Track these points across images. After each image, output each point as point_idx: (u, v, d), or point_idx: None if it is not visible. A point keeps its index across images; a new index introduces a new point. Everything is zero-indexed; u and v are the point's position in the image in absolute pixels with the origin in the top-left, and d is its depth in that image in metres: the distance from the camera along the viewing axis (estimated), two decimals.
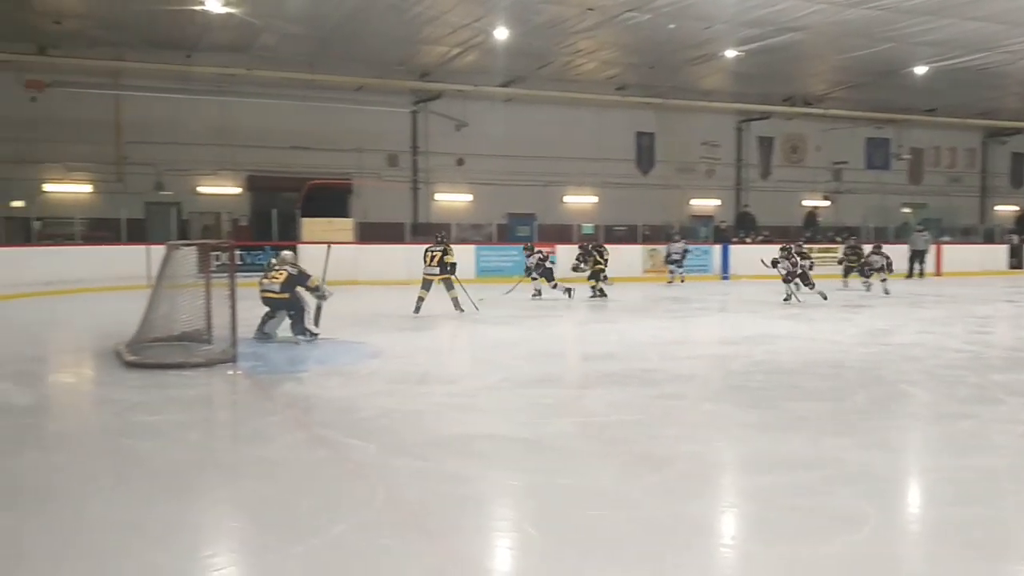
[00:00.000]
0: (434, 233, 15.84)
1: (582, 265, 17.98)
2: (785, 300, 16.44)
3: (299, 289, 10.76)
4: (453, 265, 14.33)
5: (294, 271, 10.80)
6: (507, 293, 17.44)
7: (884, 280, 18.81)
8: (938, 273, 26.99)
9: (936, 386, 8.19)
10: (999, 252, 29.03)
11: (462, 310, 14.25)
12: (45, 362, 10.19)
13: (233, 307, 9.22)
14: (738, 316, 15.07)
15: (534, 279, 17.54)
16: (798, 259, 16.83)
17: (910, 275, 25.17)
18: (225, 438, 6.55)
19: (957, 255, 27.74)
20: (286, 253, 11.50)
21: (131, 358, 9.06)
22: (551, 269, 17.48)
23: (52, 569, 3.88)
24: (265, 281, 10.74)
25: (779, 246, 17.21)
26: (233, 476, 5.25)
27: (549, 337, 12.26)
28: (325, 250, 11.82)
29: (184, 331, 10.07)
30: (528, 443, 5.98)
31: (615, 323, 13.77)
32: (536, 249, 17.65)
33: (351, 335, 11.55)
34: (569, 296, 16.80)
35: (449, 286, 14.43)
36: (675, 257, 22.91)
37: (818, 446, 5.83)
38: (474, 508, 4.67)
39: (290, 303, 10.67)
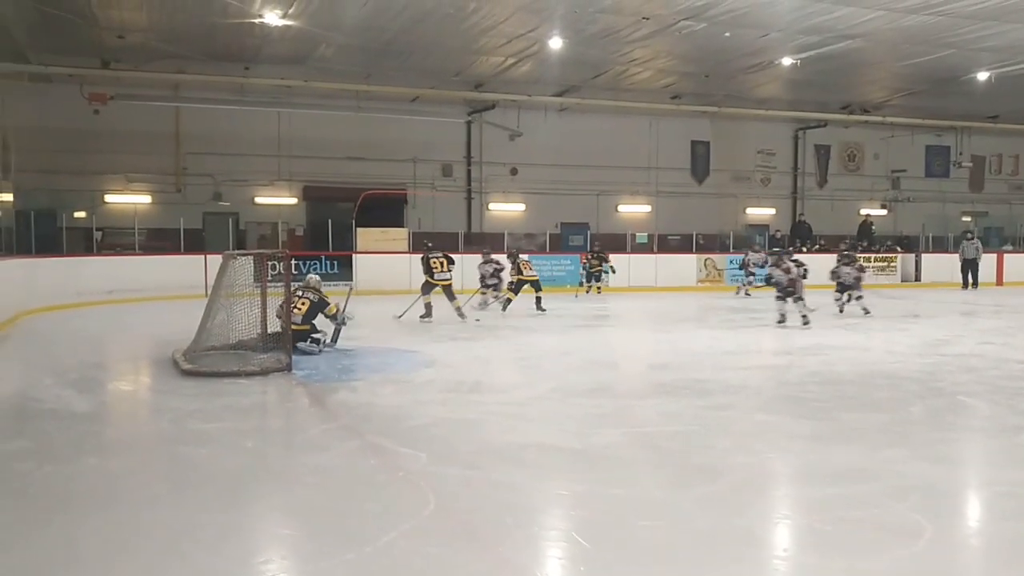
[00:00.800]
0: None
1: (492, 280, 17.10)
2: (779, 323, 14.06)
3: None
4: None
5: (315, 298, 10.89)
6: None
7: (859, 298, 16.05)
8: (999, 283, 26.39)
9: (996, 398, 8.01)
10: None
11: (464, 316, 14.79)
12: (105, 369, 10.42)
13: (288, 316, 9.35)
14: (793, 326, 14.87)
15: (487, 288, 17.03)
16: (792, 265, 14.34)
17: (964, 286, 24.60)
18: (279, 446, 6.64)
19: (1019, 264, 27.10)
20: (312, 277, 11.63)
21: (187, 366, 9.23)
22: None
23: (105, 571, 3.97)
24: (293, 313, 10.73)
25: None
26: (286, 483, 5.32)
27: (602, 346, 12.24)
28: (347, 292, 12.10)
29: (240, 339, 10.22)
30: (578, 453, 5.98)
31: (669, 333, 13.71)
32: (495, 259, 17.23)
33: (405, 344, 11.64)
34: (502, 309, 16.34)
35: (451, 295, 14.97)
36: (753, 269, 21.98)
37: (873, 458, 5.74)
38: (523, 517, 4.67)
39: (308, 333, 10.72)
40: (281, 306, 10.67)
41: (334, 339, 11.09)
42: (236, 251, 13.23)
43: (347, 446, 6.32)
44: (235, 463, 5.75)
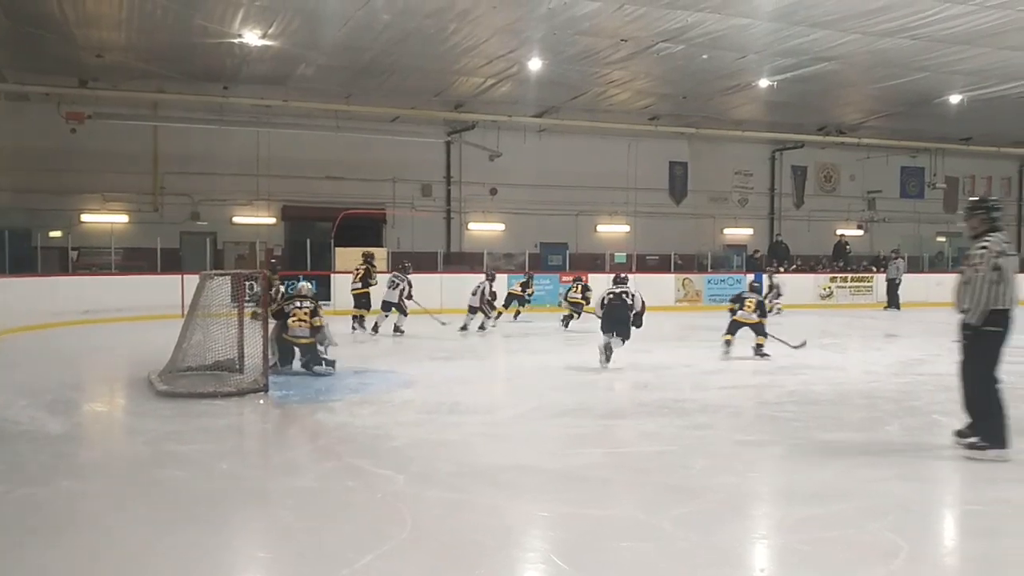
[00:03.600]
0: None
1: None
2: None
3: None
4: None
5: (312, 306, 10.82)
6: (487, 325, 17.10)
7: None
8: None
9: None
10: None
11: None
12: (80, 390, 10.30)
13: (265, 336, 9.32)
14: (772, 345, 14.93)
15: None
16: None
17: (888, 306, 24.59)
18: (255, 467, 6.59)
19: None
20: (304, 285, 11.48)
21: (163, 387, 9.17)
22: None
23: None
24: (293, 325, 10.63)
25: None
26: (263, 505, 5.28)
27: (581, 366, 12.23)
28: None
29: (217, 360, 10.16)
30: (559, 473, 5.97)
31: (649, 353, 13.71)
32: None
33: (384, 364, 11.60)
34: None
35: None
36: (781, 291, 21.76)
37: (850, 477, 5.77)
38: (502, 538, 4.66)
39: (310, 346, 10.67)
40: (290, 322, 10.65)
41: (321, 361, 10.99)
42: (213, 271, 13.17)
43: (324, 467, 6.29)
44: (211, 485, 5.71)
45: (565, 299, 18.23)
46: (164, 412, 8.13)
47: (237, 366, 9.95)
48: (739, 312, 13.03)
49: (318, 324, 10.74)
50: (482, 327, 16.56)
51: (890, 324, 17.34)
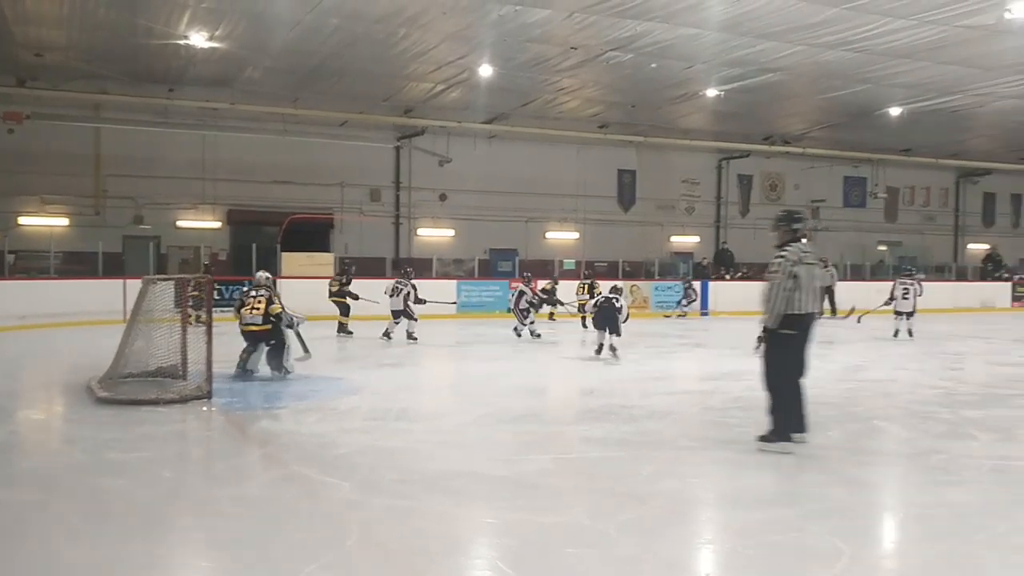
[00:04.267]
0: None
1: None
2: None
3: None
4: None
5: (267, 294, 10.76)
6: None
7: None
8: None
9: (910, 422, 8.24)
10: (972, 289, 29.29)
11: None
12: (16, 398, 10.08)
13: (209, 342, 9.17)
14: (718, 352, 15.11)
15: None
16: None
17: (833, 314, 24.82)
18: (198, 475, 6.49)
19: (930, 292, 27.89)
20: (261, 274, 11.40)
21: (103, 394, 8.98)
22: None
23: None
24: (246, 313, 10.67)
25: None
26: (206, 514, 5.20)
27: (530, 372, 12.26)
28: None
29: (160, 366, 9.99)
30: (506, 480, 5.96)
31: (596, 359, 13.77)
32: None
33: (330, 371, 11.51)
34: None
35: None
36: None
37: (794, 482, 5.85)
38: (449, 546, 4.64)
39: (271, 333, 10.62)
40: (241, 311, 10.70)
41: (304, 347, 11.01)
42: (157, 276, 12.97)
43: (269, 475, 6.22)
44: (153, 494, 5.60)
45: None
46: (104, 419, 7.97)
47: (180, 372, 9.78)
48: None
49: (276, 311, 10.66)
50: (517, 332, 16.45)
51: (831, 331, 17.60)
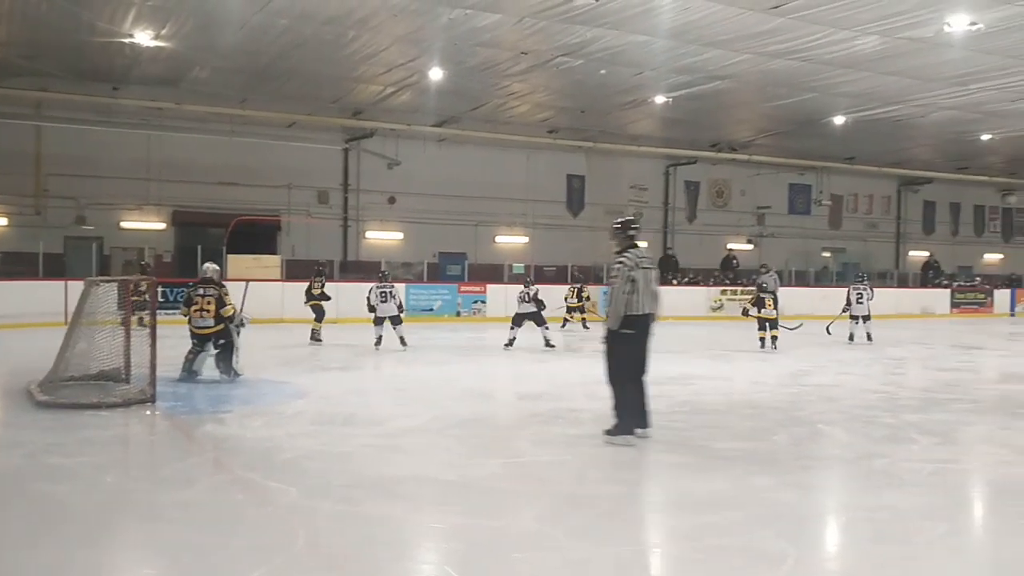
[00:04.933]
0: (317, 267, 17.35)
1: None
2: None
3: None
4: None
5: (216, 293, 10.61)
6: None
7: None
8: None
9: (853, 426, 8.36)
10: (912, 296, 29.88)
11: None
12: None
13: (153, 345, 9.03)
14: (663, 356, 15.20)
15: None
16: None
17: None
18: (142, 480, 6.36)
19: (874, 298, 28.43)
20: (209, 266, 11.16)
21: (44, 398, 8.79)
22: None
23: None
24: (195, 315, 10.51)
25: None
26: (149, 520, 5.11)
27: (478, 376, 12.25)
28: (243, 287, 11.77)
29: (102, 370, 9.81)
30: (454, 484, 5.95)
31: (544, 363, 13.82)
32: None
33: (276, 375, 11.40)
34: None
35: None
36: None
37: (740, 486, 5.90)
38: (396, 551, 4.62)
39: (221, 334, 10.49)
40: (192, 311, 10.52)
41: (233, 357, 10.80)
42: (99, 277, 12.74)
43: (214, 480, 6.14)
44: (95, 499, 5.50)
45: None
46: (45, 423, 7.80)
47: (123, 376, 9.62)
48: (762, 311, 16.05)
49: (229, 313, 10.53)
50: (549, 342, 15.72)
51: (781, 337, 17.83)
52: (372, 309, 14.84)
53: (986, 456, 7.41)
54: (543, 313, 15.87)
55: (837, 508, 5.82)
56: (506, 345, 15.51)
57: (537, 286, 16.37)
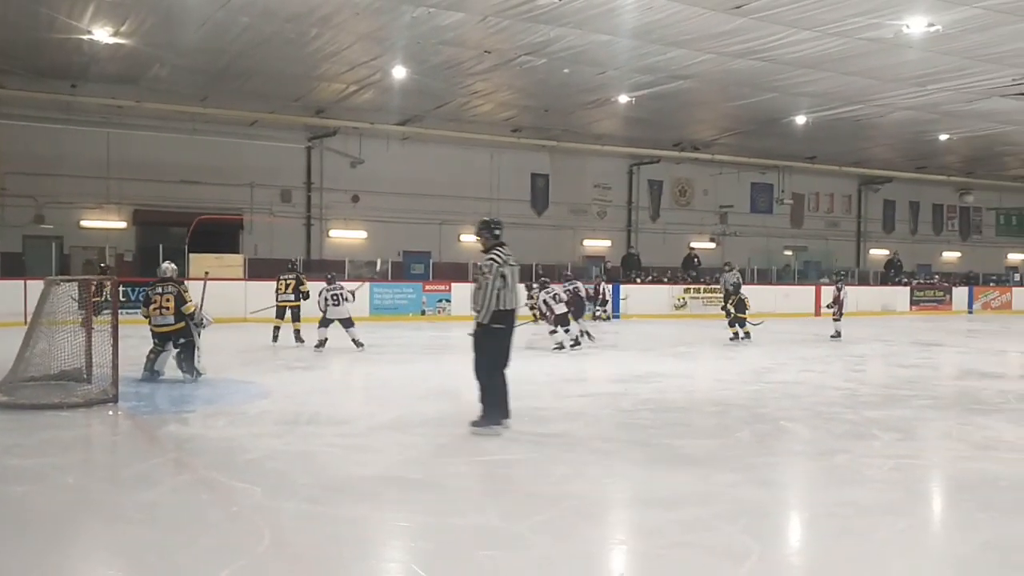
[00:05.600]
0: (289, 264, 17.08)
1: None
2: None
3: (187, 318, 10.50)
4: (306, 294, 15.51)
5: (175, 291, 10.52)
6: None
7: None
8: (816, 314, 27.98)
9: (815, 423, 8.45)
10: (873, 293, 30.27)
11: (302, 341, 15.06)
12: None
13: (115, 345, 8.93)
14: (627, 354, 15.30)
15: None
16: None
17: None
18: (104, 481, 6.30)
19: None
20: (168, 265, 11.05)
21: (3, 399, 8.66)
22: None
23: None
24: (155, 313, 10.42)
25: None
26: (113, 521, 5.06)
27: (443, 375, 12.22)
28: (202, 284, 11.67)
29: (63, 370, 9.67)
30: (419, 483, 5.94)
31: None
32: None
33: (239, 374, 11.31)
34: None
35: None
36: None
37: (705, 483, 5.95)
38: (362, 550, 4.61)
39: (182, 332, 10.40)
40: (151, 310, 10.48)
41: (195, 357, 10.67)
42: (59, 277, 12.57)
43: (177, 480, 6.09)
44: (56, 501, 5.43)
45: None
46: (5, 425, 7.69)
47: (85, 376, 9.50)
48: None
49: (190, 310, 10.45)
50: (576, 342, 15.50)
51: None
52: (324, 312, 14.57)
53: (945, 451, 7.53)
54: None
55: (800, 504, 5.89)
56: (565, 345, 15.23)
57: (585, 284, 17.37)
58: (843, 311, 18.56)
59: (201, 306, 10.96)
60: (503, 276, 7.50)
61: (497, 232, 7.83)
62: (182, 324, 10.41)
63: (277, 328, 15.46)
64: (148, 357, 10.54)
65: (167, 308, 10.38)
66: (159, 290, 10.57)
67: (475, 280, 7.77)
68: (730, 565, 4.36)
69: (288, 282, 15.50)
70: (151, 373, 10.42)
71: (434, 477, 6.10)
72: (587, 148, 27.52)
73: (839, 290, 18.71)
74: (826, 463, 6.80)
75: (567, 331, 15.38)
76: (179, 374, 10.49)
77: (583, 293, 17.44)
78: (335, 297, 14.60)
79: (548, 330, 15.54)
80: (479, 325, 7.53)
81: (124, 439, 7.79)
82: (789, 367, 13.38)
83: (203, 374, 10.53)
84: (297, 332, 15.24)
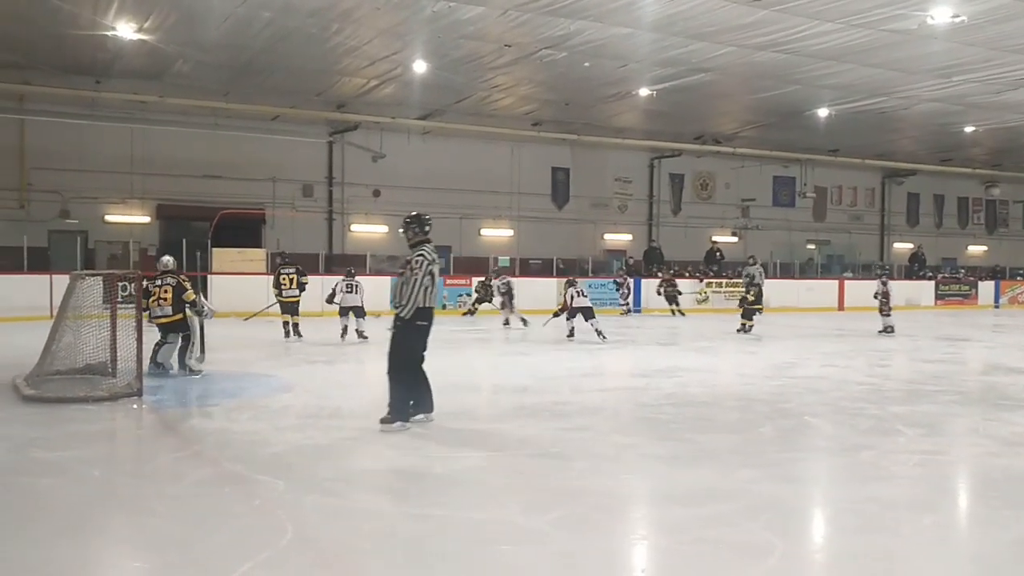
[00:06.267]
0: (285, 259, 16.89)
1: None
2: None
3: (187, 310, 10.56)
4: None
5: (173, 282, 10.57)
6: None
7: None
8: (840, 308, 27.81)
9: (839, 418, 8.40)
10: (897, 287, 30.02)
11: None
12: None
13: (139, 339, 9.01)
14: (648, 349, 15.26)
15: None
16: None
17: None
18: (128, 475, 6.35)
19: (858, 290, 28.59)
20: (167, 259, 11.14)
21: (29, 392, 8.75)
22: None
23: None
24: (154, 306, 10.48)
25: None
26: (136, 514, 5.10)
27: (463, 369, 12.24)
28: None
29: (88, 364, 9.77)
30: (440, 477, 5.95)
31: (528, 356, 13.83)
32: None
33: (262, 368, 11.37)
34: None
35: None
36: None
37: (727, 478, 5.93)
38: (383, 543, 4.62)
39: (182, 325, 10.45)
40: (150, 302, 10.40)
41: (201, 347, 10.75)
42: (84, 271, 12.67)
43: (201, 474, 6.12)
44: (81, 493, 5.48)
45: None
46: (31, 418, 7.77)
47: (110, 369, 9.59)
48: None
49: (191, 298, 10.53)
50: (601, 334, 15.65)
51: (761, 328, 17.90)
52: (332, 297, 15.20)
53: (971, 447, 7.46)
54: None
55: (823, 500, 5.85)
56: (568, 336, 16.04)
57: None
58: (891, 305, 18.28)
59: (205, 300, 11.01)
60: (431, 274, 7.50)
61: (427, 228, 7.86)
62: (180, 316, 10.46)
63: (287, 323, 15.44)
64: (153, 350, 10.58)
65: (165, 299, 10.45)
66: (158, 282, 10.64)
67: (400, 274, 7.77)
68: (752, 561, 4.34)
69: (291, 277, 15.51)
70: (156, 366, 10.45)
71: (454, 471, 6.11)
72: (608, 142, 27.42)
73: (884, 284, 18.48)
74: (850, 459, 6.75)
75: (594, 323, 15.65)
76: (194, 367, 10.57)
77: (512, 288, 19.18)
78: (349, 286, 15.16)
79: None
80: (401, 320, 7.47)
81: (148, 433, 7.85)
82: (812, 362, 13.31)
83: (198, 374, 10.53)
84: (296, 326, 15.34)
